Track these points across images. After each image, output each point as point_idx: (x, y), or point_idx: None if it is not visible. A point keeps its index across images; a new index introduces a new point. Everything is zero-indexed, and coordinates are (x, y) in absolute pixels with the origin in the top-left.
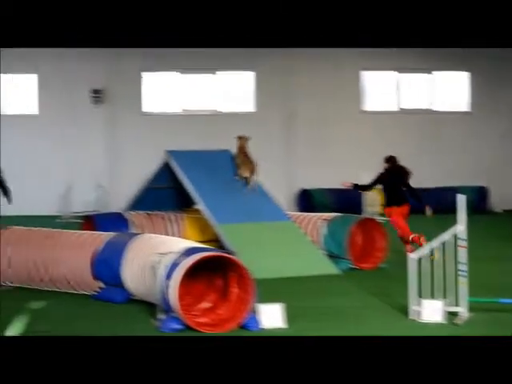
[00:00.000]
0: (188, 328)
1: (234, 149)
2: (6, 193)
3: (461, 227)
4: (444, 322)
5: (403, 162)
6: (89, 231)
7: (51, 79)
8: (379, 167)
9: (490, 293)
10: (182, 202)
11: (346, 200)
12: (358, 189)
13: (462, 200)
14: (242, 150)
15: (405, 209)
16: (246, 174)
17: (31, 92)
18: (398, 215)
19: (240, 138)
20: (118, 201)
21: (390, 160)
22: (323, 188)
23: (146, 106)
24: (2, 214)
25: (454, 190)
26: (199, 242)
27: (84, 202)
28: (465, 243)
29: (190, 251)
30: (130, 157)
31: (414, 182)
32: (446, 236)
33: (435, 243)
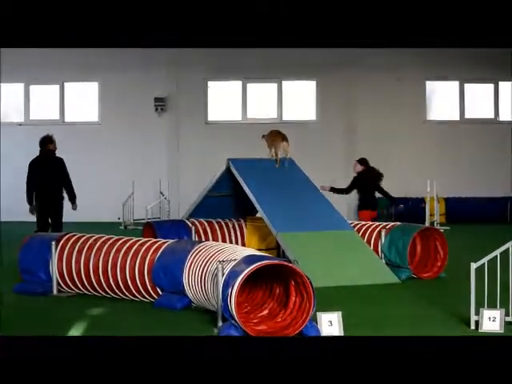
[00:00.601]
0: (247, 335)
1: (296, 157)
2: (73, 198)
3: None
4: (502, 332)
5: (467, 170)
6: (150, 238)
7: (113, 87)
8: (442, 176)
9: None
10: (242, 209)
11: (408, 209)
12: (335, 192)
13: None
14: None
15: (375, 213)
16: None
17: (92, 100)
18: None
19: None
20: (180, 208)
21: (364, 162)
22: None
23: (210, 114)
24: (64, 220)
25: None
26: (259, 249)
27: (145, 209)
28: None
29: (250, 259)
30: (192, 165)
31: (479, 190)
32: (507, 245)
33: (496, 252)
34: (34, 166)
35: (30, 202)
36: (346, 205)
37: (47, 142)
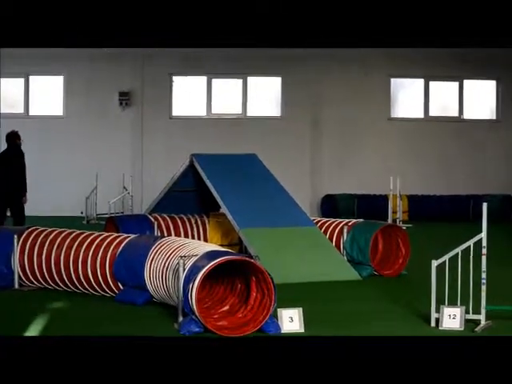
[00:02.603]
0: (207, 331)
1: (260, 153)
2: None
3: (482, 235)
4: (462, 330)
5: (431, 168)
6: (112, 233)
7: (78, 81)
8: (406, 173)
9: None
10: (206, 205)
11: (371, 206)
12: None
13: (485, 208)
14: None
15: None
16: None
17: (57, 94)
18: None
19: None
20: (143, 203)
21: None
22: (348, 193)
23: (174, 109)
24: (28, 214)
25: (479, 198)
26: (221, 245)
27: (108, 204)
28: (485, 251)
29: (212, 255)
30: (156, 160)
31: (442, 188)
32: (468, 243)
33: (458, 250)
34: (2, 159)
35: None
36: (309, 201)
37: (15, 138)
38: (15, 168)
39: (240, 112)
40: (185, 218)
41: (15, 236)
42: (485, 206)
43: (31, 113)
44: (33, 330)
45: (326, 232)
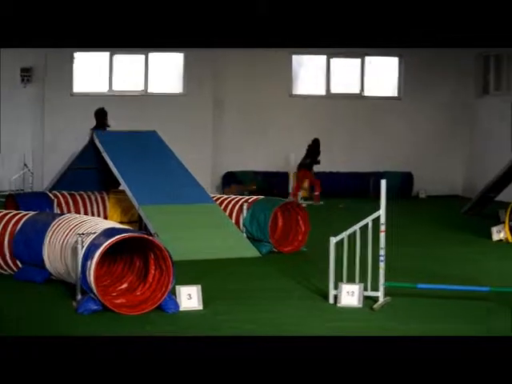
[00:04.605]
0: (106, 309)
1: (161, 130)
2: None
3: (381, 212)
4: (360, 307)
5: (330, 145)
6: (11, 210)
7: None
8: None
9: (409, 278)
10: (106, 182)
11: (272, 183)
12: None
13: (383, 185)
14: None
15: None
16: None
17: None
18: None
19: None
20: (44, 181)
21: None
22: (249, 170)
23: (75, 86)
24: None
25: (380, 175)
26: (121, 222)
27: (9, 182)
28: (383, 228)
29: (110, 232)
30: (57, 137)
31: (343, 165)
32: (366, 221)
33: (356, 227)
34: None
35: None
36: (210, 178)
37: (104, 115)
38: None
39: (142, 89)
40: (85, 195)
41: None
42: (383, 182)
43: None
44: None
45: (225, 209)
